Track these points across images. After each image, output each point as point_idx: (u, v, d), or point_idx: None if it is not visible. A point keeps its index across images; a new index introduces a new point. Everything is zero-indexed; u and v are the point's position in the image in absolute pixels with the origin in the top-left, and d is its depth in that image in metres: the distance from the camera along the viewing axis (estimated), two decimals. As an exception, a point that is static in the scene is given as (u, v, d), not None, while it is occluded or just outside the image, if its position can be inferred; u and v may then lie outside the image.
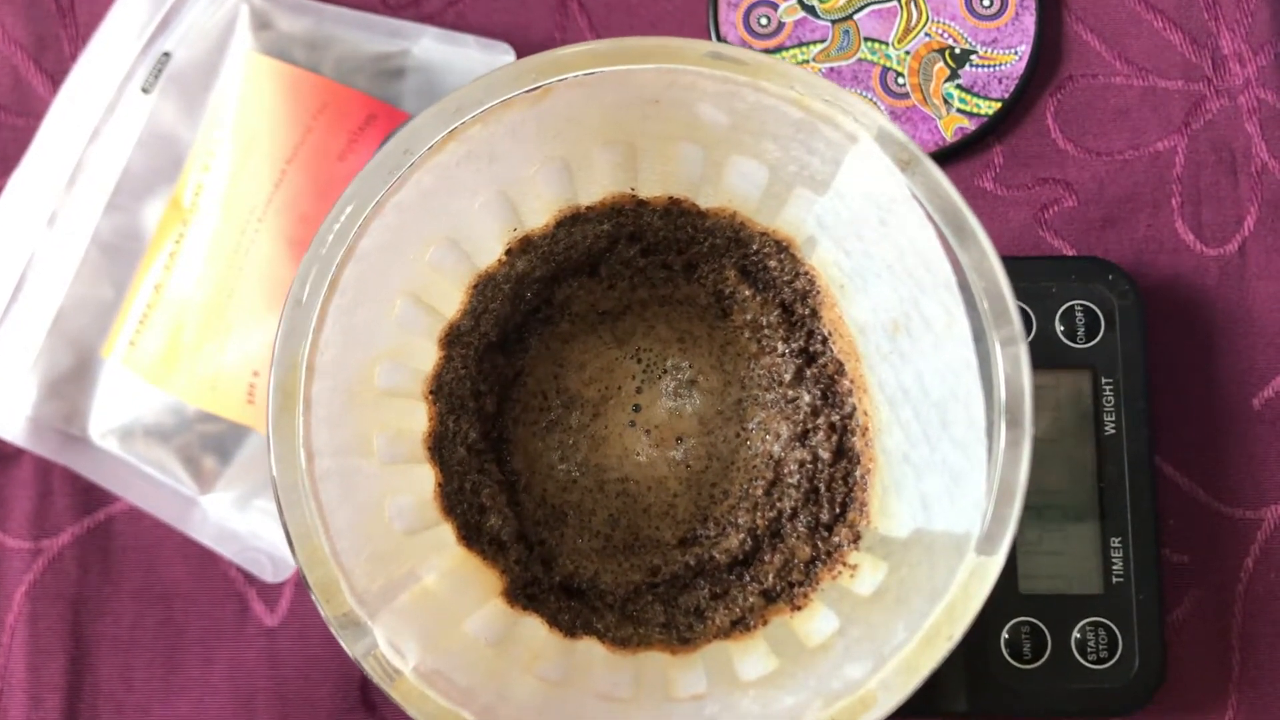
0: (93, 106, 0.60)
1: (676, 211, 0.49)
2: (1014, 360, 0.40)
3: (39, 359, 0.59)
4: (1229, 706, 0.58)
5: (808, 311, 0.50)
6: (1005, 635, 0.55)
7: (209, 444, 0.59)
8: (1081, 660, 0.55)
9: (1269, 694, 0.58)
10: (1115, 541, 0.55)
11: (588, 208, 0.48)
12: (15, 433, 0.59)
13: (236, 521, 0.59)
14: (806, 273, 0.49)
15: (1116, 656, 0.55)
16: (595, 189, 0.48)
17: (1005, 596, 0.55)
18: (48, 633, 0.60)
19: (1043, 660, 0.55)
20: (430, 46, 0.61)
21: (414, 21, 0.62)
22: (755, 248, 0.50)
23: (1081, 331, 0.56)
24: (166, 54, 0.60)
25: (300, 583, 0.59)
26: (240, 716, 0.59)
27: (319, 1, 0.61)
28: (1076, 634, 0.55)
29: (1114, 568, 0.55)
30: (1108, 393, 0.56)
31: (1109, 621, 0.55)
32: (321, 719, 0.59)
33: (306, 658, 0.59)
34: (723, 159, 0.46)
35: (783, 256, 0.49)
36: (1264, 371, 0.59)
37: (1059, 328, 0.56)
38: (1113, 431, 0.56)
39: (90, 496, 0.60)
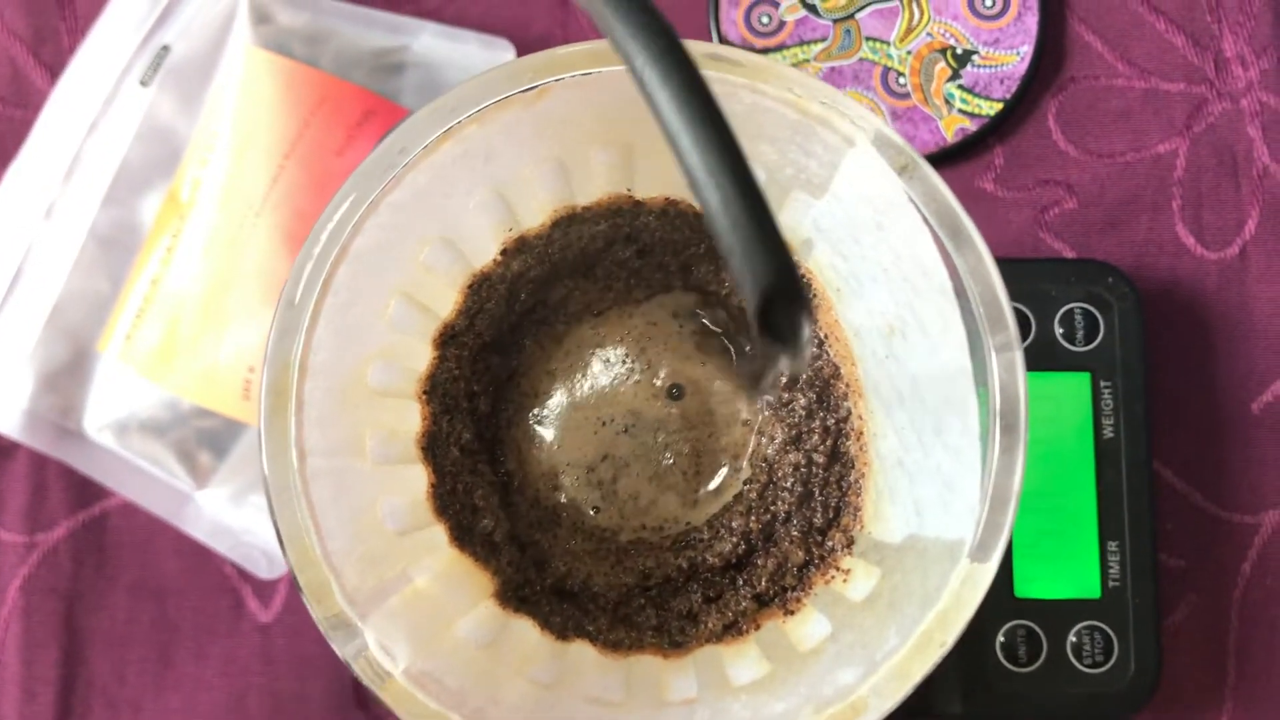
0: (91, 99, 0.60)
1: (673, 212, 0.49)
2: (1009, 366, 0.40)
3: (35, 352, 0.59)
4: (1224, 711, 0.58)
5: (804, 314, 0.50)
6: (1001, 638, 0.55)
7: (204, 439, 0.59)
8: (1077, 664, 0.55)
9: (1264, 699, 0.58)
10: (1112, 545, 0.55)
11: (584, 208, 0.48)
12: (10, 426, 0.59)
13: (231, 517, 0.59)
14: (803, 275, 0.49)
15: (1112, 661, 0.55)
16: (592, 189, 0.48)
17: (1001, 600, 0.55)
18: (41, 627, 0.60)
19: (1038, 664, 0.55)
20: (430, 43, 0.61)
21: (414, 17, 0.61)
22: None
23: (1081, 334, 0.56)
24: (165, 47, 0.60)
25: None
26: (233, 712, 0.59)
27: (318, -4, 0.61)
28: (1072, 638, 0.55)
29: (1111, 572, 0.55)
30: (1106, 396, 0.56)
31: (1105, 626, 0.55)
32: (315, 716, 0.59)
33: (300, 654, 0.59)
34: (720, 161, 0.46)
35: (779, 259, 0.49)
36: (1263, 376, 0.59)
37: (1058, 330, 0.56)
38: (1111, 435, 0.56)
39: (85, 491, 0.60)
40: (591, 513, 0.52)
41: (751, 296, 0.31)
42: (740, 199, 0.31)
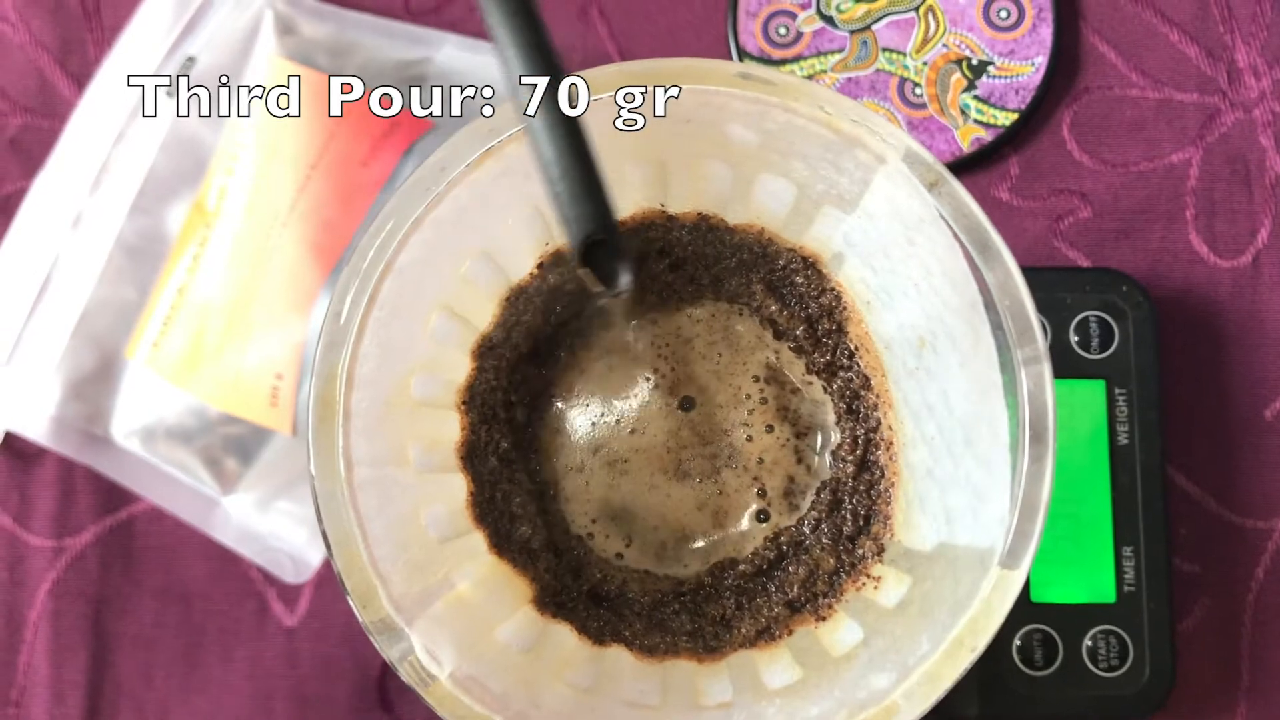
0: (118, 109, 0.60)
1: (705, 227, 0.49)
2: (1037, 379, 0.41)
3: (63, 359, 0.59)
4: (1238, 715, 0.58)
5: (834, 326, 0.51)
6: (1017, 642, 0.56)
7: (231, 445, 0.59)
8: (1092, 668, 0.55)
9: (1278, 703, 0.58)
10: (1127, 550, 0.56)
11: (618, 222, 0.49)
12: (39, 432, 0.60)
13: (258, 522, 0.60)
14: (833, 288, 0.49)
15: (1127, 665, 0.55)
16: (626, 204, 0.48)
17: (1017, 604, 0.55)
18: (70, 630, 0.60)
19: (1054, 667, 0.55)
20: (452, 54, 0.61)
21: (436, 29, 0.62)
22: (782, 263, 0.50)
23: (1095, 342, 0.57)
24: (191, 58, 0.60)
25: (319, 583, 0.60)
26: (259, 715, 0.60)
27: (342, 8, 0.62)
28: (1088, 642, 0.55)
29: (1126, 576, 0.56)
30: (1121, 403, 0.57)
31: (1120, 630, 0.55)
32: (339, 718, 0.59)
33: (325, 657, 0.60)
34: (751, 177, 0.46)
35: (809, 272, 0.50)
36: (1276, 383, 0.60)
37: (1073, 338, 0.57)
38: (1125, 441, 0.56)
39: (112, 496, 0.61)
40: (622, 534, 0.52)
41: (574, 240, 0.36)
42: (571, 152, 0.35)
